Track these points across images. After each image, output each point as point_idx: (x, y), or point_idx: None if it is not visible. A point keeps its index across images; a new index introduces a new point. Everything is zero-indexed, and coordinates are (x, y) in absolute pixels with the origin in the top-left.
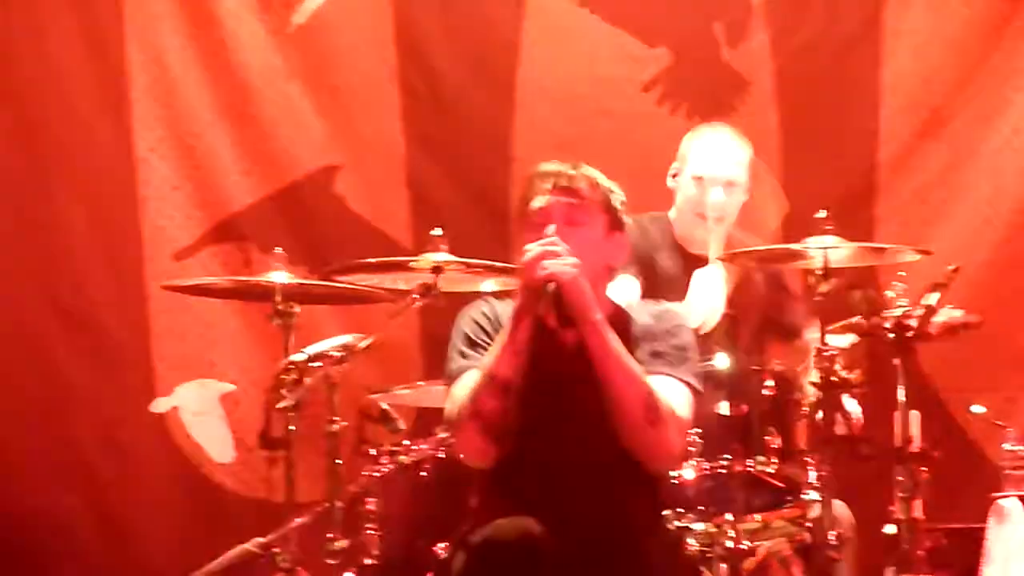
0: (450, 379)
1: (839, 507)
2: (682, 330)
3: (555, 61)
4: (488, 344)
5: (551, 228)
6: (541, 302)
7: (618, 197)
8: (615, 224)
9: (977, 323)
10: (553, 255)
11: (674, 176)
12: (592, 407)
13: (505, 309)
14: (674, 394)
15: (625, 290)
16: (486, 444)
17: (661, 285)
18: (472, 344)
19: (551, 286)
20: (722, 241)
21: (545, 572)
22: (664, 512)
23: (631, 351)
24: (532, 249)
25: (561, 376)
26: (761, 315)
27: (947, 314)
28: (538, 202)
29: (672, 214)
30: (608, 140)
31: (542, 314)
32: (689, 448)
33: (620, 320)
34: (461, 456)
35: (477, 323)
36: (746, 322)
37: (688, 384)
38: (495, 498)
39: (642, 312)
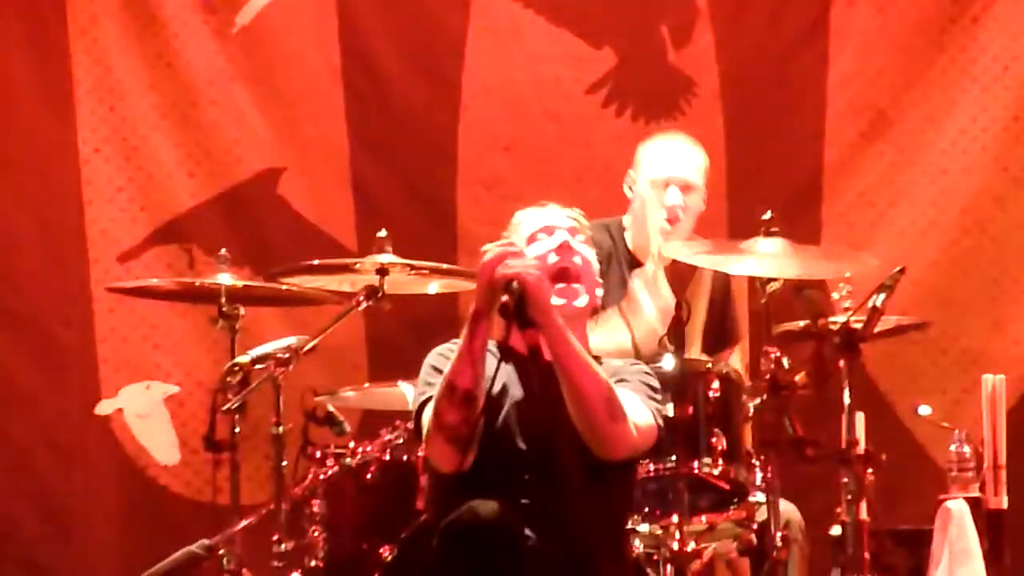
0: (418, 415)
1: (789, 509)
2: (649, 376)
3: (500, 62)
4: None
5: (560, 234)
6: (501, 304)
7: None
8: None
9: (921, 326)
10: (516, 255)
11: (630, 187)
12: (552, 410)
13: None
14: (638, 411)
15: None
16: (454, 454)
17: (609, 294)
18: (435, 376)
19: (515, 285)
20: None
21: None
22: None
23: None
24: (492, 249)
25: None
26: (706, 318)
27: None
28: (551, 219)
29: (626, 222)
30: (553, 142)
31: (502, 315)
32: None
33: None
34: (436, 467)
35: (444, 356)
36: (693, 325)
37: (652, 412)
38: (450, 497)
39: (611, 361)
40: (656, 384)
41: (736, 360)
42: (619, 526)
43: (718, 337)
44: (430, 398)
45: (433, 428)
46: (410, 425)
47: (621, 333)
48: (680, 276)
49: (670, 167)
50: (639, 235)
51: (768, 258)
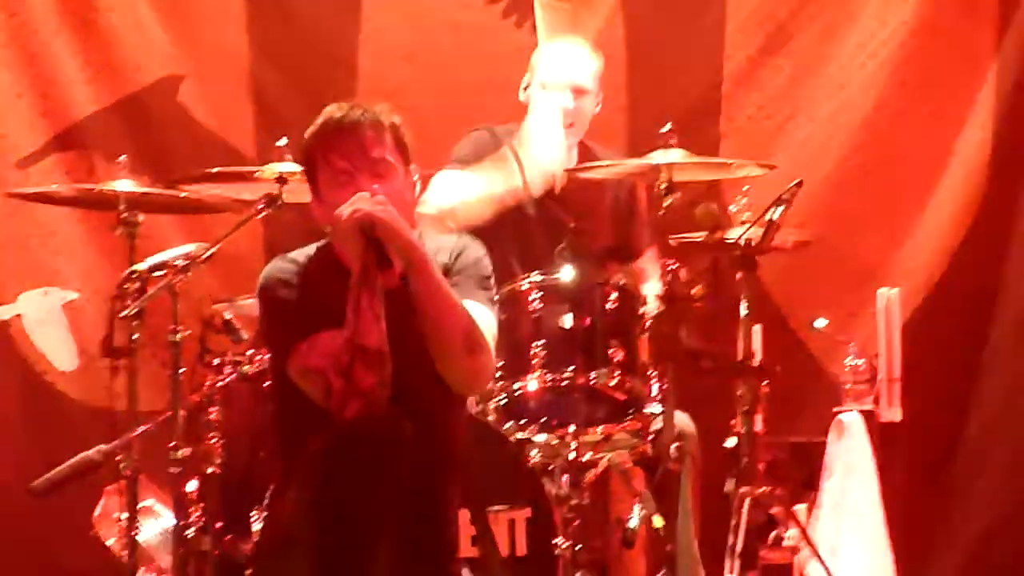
0: (291, 365)
1: (683, 420)
2: (482, 262)
3: None
4: (301, 313)
5: (362, 194)
6: (363, 248)
7: (402, 131)
8: (407, 159)
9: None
10: (362, 199)
11: (525, 88)
12: (410, 342)
13: (301, 259)
14: (483, 320)
15: (458, 183)
16: (372, 413)
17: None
18: (286, 319)
19: (367, 229)
20: (570, 149)
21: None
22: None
23: None
24: (345, 208)
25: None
26: (606, 231)
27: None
28: (337, 160)
29: (523, 129)
30: (454, 52)
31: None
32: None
33: None
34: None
35: (280, 290)
36: (591, 235)
37: (492, 311)
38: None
39: (436, 245)
40: (488, 270)
41: (652, 266)
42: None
43: (626, 244)
44: (297, 353)
45: (347, 395)
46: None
47: (512, 175)
48: (581, 186)
49: (562, 71)
50: (532, 142)
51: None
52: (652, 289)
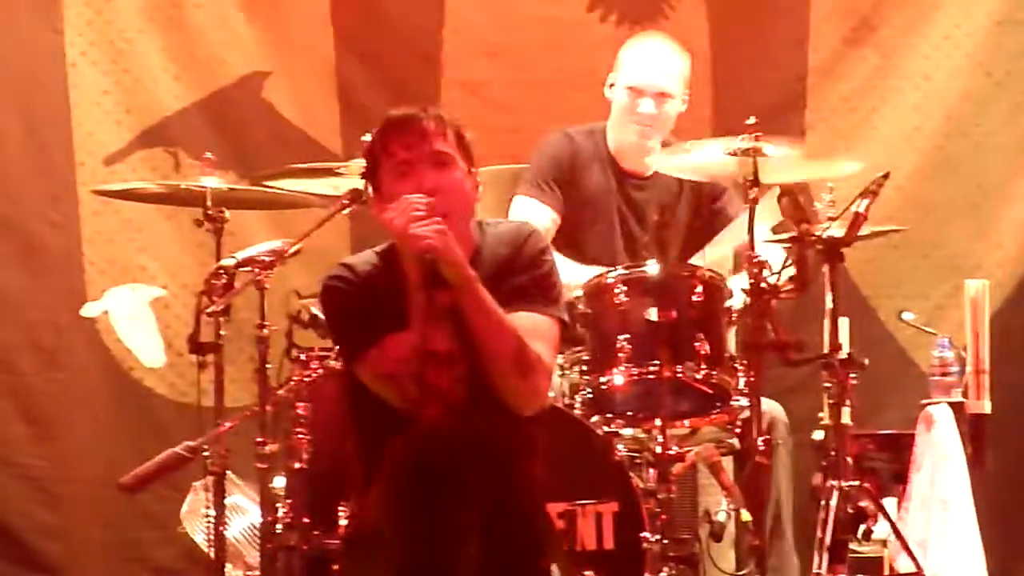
0: (363, 367)
1: (774, 408)
2: (541, 257)
3: None
4: (369, 316)
5: (416, 196)
6: (419, 261)
7: (466, 133)
8: (471, 161)
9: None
10: (418, 218)
11: (610, 86)
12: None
13: (363, 267)
14: (540, 333)
15: (529, 216)
16: (449, 415)
17: (589, 200)
18: (354, 322)
19: (428, 257)
20: (652, 150)
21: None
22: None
23: (491, 288)
24: (396, 213)
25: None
26: (692, 221)
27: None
28: (400, 153)
29: (608, 125)
30: (538, 47)
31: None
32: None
33: (478, 256)
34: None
35: (343, 294)
36: (676, 228)
37: (554, 318)
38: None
39: (495, 238)
40: (549, 265)
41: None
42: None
43: (709, 235)
44: (367, 352)
45: (421, 397)
46: None
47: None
48: (664, 180)
49: (645, 74)
50: (618, 138)
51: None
52: (738, 282)
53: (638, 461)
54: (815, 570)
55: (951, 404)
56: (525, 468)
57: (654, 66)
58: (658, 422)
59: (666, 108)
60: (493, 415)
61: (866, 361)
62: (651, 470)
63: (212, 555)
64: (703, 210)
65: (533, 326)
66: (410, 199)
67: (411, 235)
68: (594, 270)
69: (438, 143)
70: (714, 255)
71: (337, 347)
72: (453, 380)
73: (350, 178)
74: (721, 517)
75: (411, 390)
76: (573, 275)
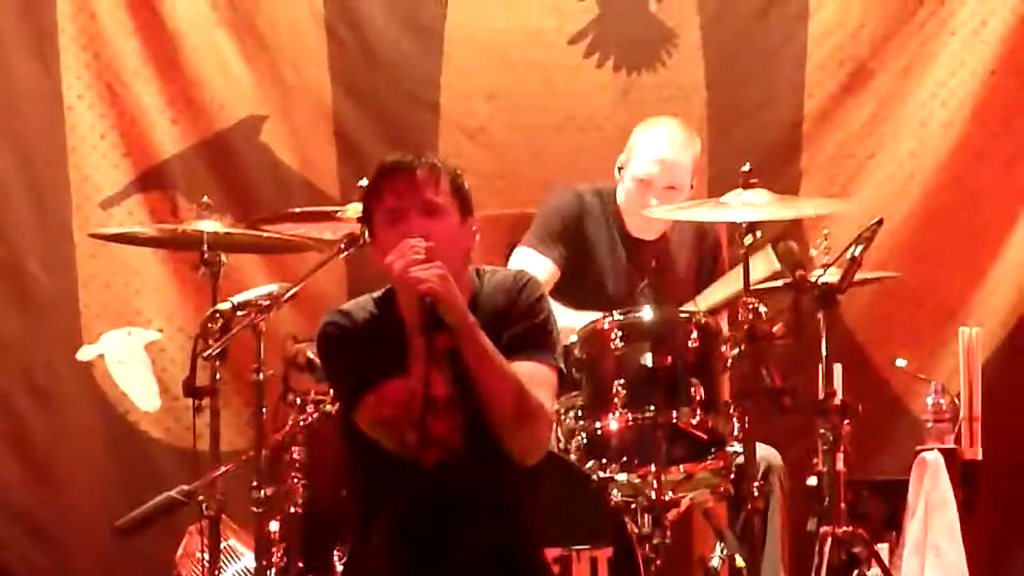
0: (359, 414)
1: (769, 453)
2: (539, 305)
3: (483, 12)
4: (365, 363)
5: (416, 240)
6: (419, 305)
7: (463, 181)
8: (467, 209)
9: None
10: (418, 261)
11: (619, 169)
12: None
13: (359, 314)
14: (541, 382)
15: (528, 266)
16: (449, 461)
17: (594, 257)
18: (350, 368)
19: (427, 301)
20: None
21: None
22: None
23: (489, 336)
24: (396, 256)
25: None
26: (688, 266)
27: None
28: (392, 202)
29: (618, 194)
30: (535, 92)
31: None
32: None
33: (476, 303)
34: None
35: (339, 340)
36: (672, 274)
37: (552, 366)
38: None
39: (492, 286)
40: (545, 313)
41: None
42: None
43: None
44: (365, 398)
45: (420, 443)
46: None
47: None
48: (672, 241)
49: (654, 166)
50: (627, 216)
51: (748, 209)
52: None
53: (633, 506)
54: None
55: (944, 451)
56: (524, 516)
57: (664, 159)
58: (653, 468)
59: (674, 201)
60: (493, 463)
61: (860, 408)
62: (646, 515)
63: None
64: (703, 263)
65: (533, 374)
66: (410, 242)
67: (411, 278)
68: (589, 315)
69: (429, 192)
70: (708, 302)
71: (334, 393)
72: (453, 426)
73: (347, 222)
74: (716, 563)
75: (410, 436)
76: (568, 320)
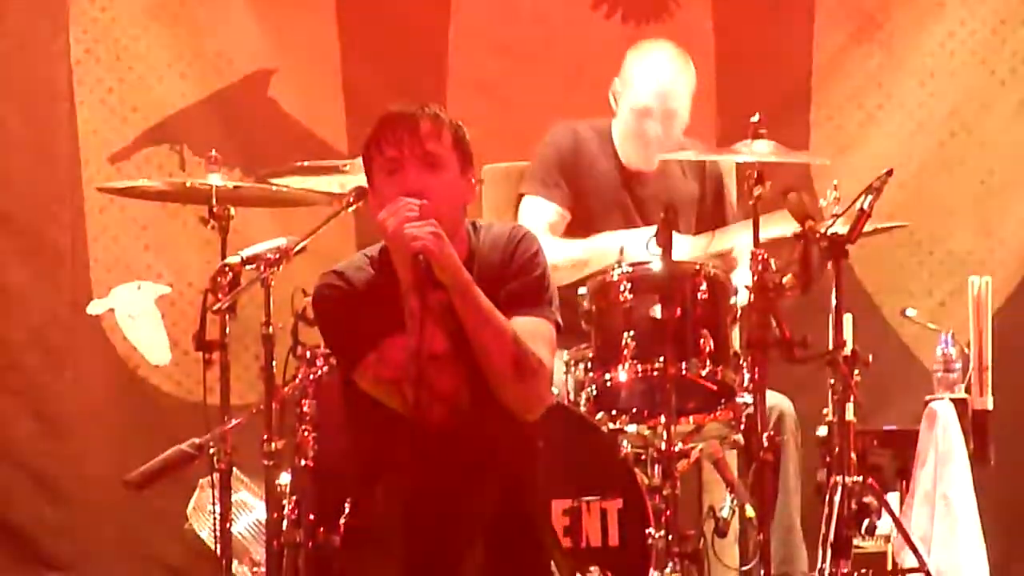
0: (362, 375)
1: (783, 403)
2: (535, 260)
3: None
4: (361, 321)
5: (411, 200)
6: (414, 263)
7: (465, 133)
8: (468, 162)
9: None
10: (411, 219)
11: (614, 95)
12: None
13: (354, 274)
14: (539, 336)
15: (537, 214)
16: (452, 415)
17: (593, 192)
18: (348, 328)
19: (421, 258)
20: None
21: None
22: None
23: (486, 292)
24: (389, 214)
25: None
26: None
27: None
28: (391, 153)
29: (613, 128)
30: (544, 45)
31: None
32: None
33: (472, 259)
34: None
35: (335, 302)
36: (682, 226)
37: (550, 320)
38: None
39: (488, 242)
40: (542, 268)
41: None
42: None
43: (713, 222)
44: (367, 360)
45: (424, 400)
46: None
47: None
48: (669, 172)
49: (652, 96)
50: (622, 145)
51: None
52: (743, 278)
53: (643, 458)
54: (819, 565)
55: (954, 400)
56: (527, 469)
57: (661, 87)
58: (663, 419)
59: (672, 127)
60: (494, 419)
61: (870, 358)
62: (656, 466)
63: (218, 551)
64: (708, 195)
65: (532, 330)
66: (404, 200)
67: (404, 236)
68: (590, 243)
69: (430, 144)
70: (719, 247)
71: (333, 355)
72: (457, 380)
73: (355, 176)
74: (725, 513)
75: (412, 394)
76: (569, 252)
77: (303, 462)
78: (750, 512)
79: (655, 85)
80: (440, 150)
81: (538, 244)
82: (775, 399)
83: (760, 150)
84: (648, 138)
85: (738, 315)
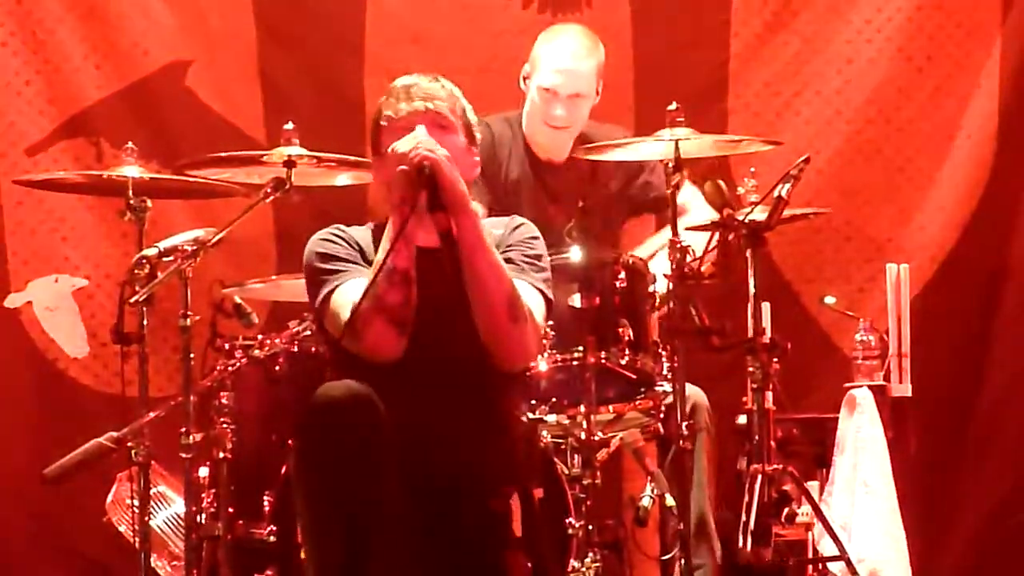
0: (325, 302)
1: (695, 393)
2: (535, 241)
3: None
4: (347, 259)
5: (421, 128)
6: (416, 187)
7: (472, 111)
8: (472, 138)
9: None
10: (422, 136)
11: (525, 79)
12: (454, 302)
13: (357, 232)
14: (529, 297)
15: None
16: (396, 336)
17: (509, 188)
18: (333, 262)
19: (427, 167)
20: (568, 145)
21: (383, 436)
22: (518, 410)
23: None
24: (401, 142)
25: (427, 268)
26: (615, 198)
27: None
28: (404, 109)
29: (524, 117)
30: (460, 33)
31: (417, 199)
32: (542, 343)
33: None
34: (370, 353)
35: (331, 242)
36: (599, 214)
37: (541, 292)
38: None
39: (490, 225)
40: (540, 250)
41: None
42: (512, 412)
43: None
44: (335, 288)
45: (373, 311)
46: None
47: None
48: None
49: (558, 77)
50: (532, 131)
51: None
52: (661, 267)
53: (563, 447)
54: (740, 552)
55: (873, 387)
56: (496, 445)
57: (567, 68)
58: (582, 408)
59: (579, 108)
60: (467, 386)
61: (789, 345)
62: (576, 456)
63: (137, 545)
64: (627, 187)
65: (525, 292)
66: (419, 128)
67: (414, 149)
68: None
69: (445, 107)
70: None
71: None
72: (403, 299)
73: (273, 166)
74: (646, 502)
75: (361, 306)
76: None
77: (221, 455)
78: (670, 501)
79: (561, 66)
80: (453, 117)
81: (538, 232)
82: (689, 391)
83: (680, 136)
84: (555, 120)
85: (657, 304)
